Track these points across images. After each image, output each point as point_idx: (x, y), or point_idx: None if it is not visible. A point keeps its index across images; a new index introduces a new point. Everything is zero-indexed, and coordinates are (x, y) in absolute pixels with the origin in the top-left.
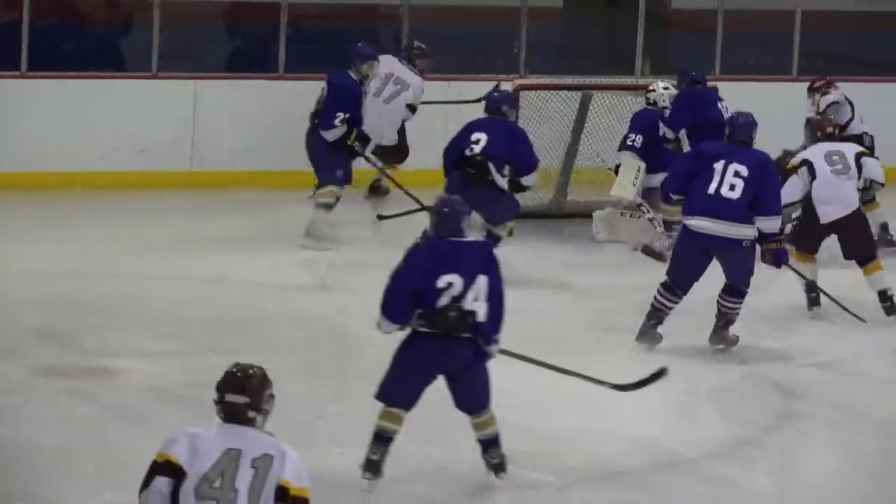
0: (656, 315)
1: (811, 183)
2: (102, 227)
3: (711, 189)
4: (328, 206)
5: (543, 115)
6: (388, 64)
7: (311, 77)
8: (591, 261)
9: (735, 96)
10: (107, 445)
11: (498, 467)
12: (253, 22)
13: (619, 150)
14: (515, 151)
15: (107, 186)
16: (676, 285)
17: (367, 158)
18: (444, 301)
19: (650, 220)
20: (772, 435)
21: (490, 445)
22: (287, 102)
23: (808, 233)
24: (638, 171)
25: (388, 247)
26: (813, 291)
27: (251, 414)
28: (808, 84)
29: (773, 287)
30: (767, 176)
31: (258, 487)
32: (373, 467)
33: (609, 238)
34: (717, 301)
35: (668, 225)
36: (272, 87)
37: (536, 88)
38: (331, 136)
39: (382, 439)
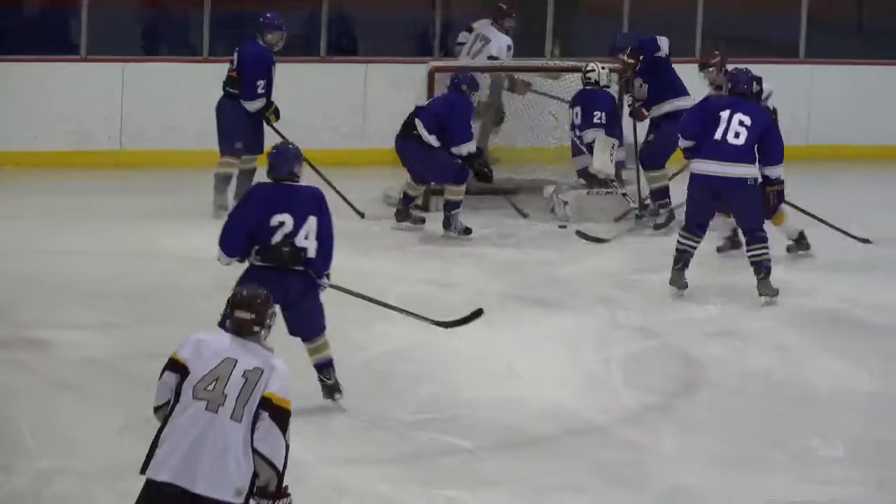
0: (682, 258)
1: None
2: (33, 205)
3: (718, 135)
4: (225, 178)
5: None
6: (481, 26)
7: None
8: (505, 233)
9: None
10: (42, 414)
11: (332, 388)
12: (178, 7)
13: (585, 128)
14: (448, 121)
15: (37, 166)
16: (693, 227)
17: (278, 132)
18: (277, 238)
19: (623, 195)
20: (678, 401)
21: (324, 367)
22: (211, 84)
23: None
24: (613, 147)
25: None
26: (803, 238)
27: (256, 328)
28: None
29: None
30: (770, 125)
31: (245, 396)
32: None
33: (569, 219)
34: (748, 256)
35: (658, 193)
36: (196, 69)
37: (450, 70)
38: (253, 106)
39: None
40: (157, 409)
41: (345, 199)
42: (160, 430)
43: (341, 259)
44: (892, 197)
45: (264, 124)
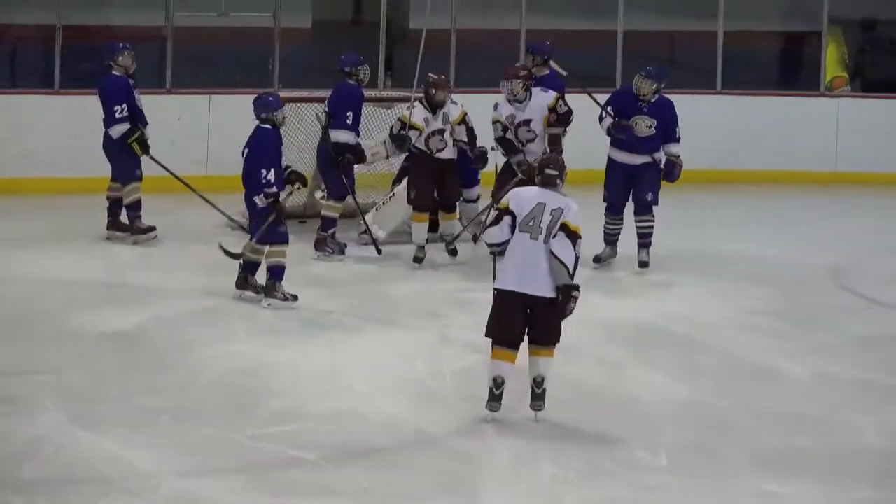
0: (610, 239)
1: None
2: None
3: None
4: (137, 204)
5: (296, 125)
6: None
7: (85, 92)
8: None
9: (469, 106)
10: None
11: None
12: (31, 42)
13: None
14: (331, 108)
15: None
16: (613, 208)
17: (154, 160)
18: None
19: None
20: (510, 413)
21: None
22: (64, 114)
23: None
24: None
25: (169, 246)
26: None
27: (558, 182)
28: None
29: None
30: (671, 115)
31: (552, 226)
32: None
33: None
34: (637, 224)
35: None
36: (49, 101)
37: (290, 101)
38: (116, 132)
39: None
40: (498, 245)
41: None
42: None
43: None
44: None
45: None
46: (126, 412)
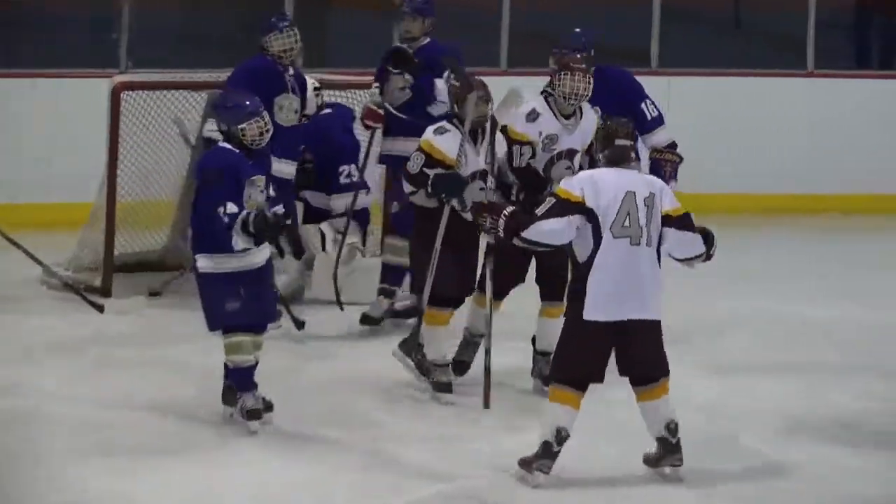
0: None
1: None
2: None
3: None
4: None
5: (150, 122)
6: None
7: None
8: None
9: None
10: None
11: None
12: None
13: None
14: None
15: None
16: None
17: None
18: None
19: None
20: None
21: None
22: None
23: None
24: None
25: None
26: None
27: (632, 156)
28: None
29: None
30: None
31: (652, 221)
32: None
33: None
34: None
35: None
36: None
37: (143, 88)
38: None
39: None
40: (548, 245)
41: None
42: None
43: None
44: None
45: None
46: None
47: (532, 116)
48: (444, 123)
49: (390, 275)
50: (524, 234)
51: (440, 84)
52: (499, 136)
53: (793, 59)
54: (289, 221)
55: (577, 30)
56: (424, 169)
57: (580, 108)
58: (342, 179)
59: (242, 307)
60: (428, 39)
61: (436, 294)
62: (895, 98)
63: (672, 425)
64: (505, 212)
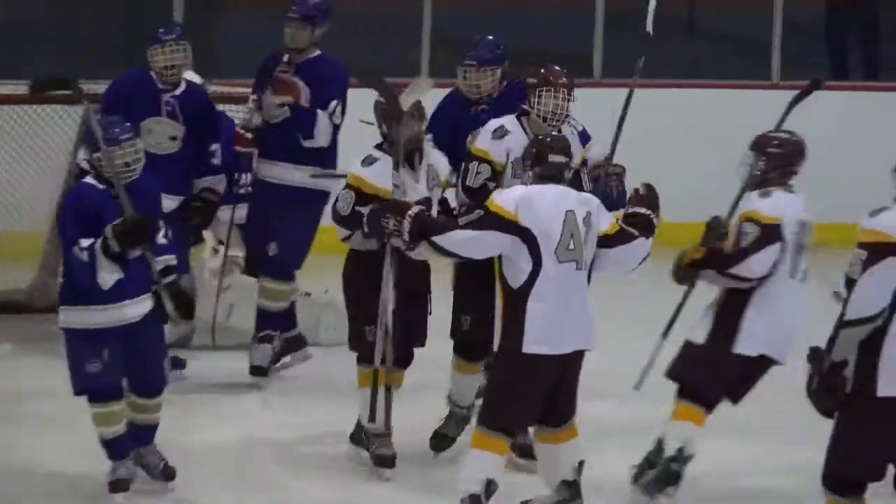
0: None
1: None
2: None
3: None
4: None
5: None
6: None
7: None
8: None
9: None
10: None
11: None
12: None
13: None
14: None
15: None
16: None
17: None
18: None
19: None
20: None
21: None
22: None
23: None
24: None
25: None
26: None
27: (566, 173)
28: None
29: None
30: None
31: (591, 243)
32: None
33: None
34: None
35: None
36: None
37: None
38: None
39: None
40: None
41: None
42: None
43: None
44: None
45: None
46: None
47: (499, 133)
48: (372, 152)
49: (268, 321)
50: (436, 240)
51: (322, 118)
52: (435, 152)
53: (756, 68)
54: (173, 276)
55: (490, 37)
56: (357, 208)
57: (559, 131)
58: (241, 191)
59: (105, 369)
60: (318, 52)
61: (365, 349)
62: (877, 111)
63: (579, 465)
64: (410, 212)
